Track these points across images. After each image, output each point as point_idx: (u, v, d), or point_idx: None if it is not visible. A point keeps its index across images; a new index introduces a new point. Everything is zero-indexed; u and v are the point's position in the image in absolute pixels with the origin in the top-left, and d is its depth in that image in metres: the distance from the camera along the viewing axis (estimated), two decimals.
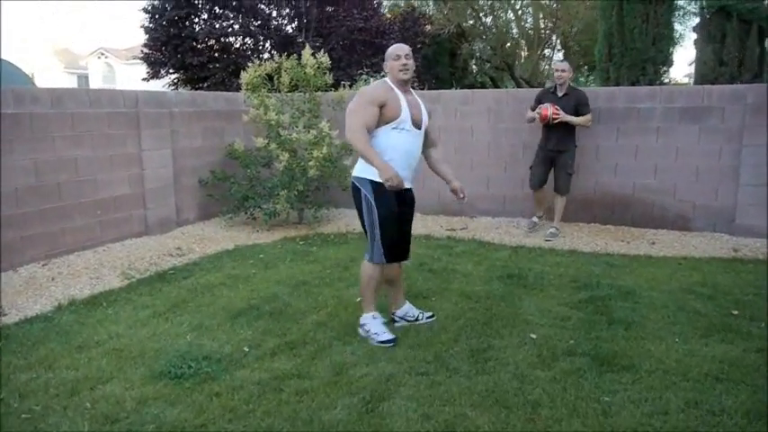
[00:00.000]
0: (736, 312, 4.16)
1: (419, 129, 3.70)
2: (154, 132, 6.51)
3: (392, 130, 3.57)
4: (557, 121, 6.15)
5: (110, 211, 6.10)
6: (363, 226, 3.75)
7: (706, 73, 8.01)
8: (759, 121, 6.14)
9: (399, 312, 4.02)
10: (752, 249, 5.90)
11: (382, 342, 3.66)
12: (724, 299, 4.45)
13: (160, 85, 15.75)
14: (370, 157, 3.48)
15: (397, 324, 3.98)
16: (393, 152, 3.57)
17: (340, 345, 3.66)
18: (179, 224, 6.94)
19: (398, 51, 3.66)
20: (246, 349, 3.60)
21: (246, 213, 7.02)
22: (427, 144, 3.93)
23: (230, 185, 7.05)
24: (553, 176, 6.50)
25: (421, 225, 7.09)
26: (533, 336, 3.78)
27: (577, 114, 6.23)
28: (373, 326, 3.76)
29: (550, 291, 4.70)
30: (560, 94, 6.31)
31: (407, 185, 3.72)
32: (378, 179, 3.52)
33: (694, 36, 14.80)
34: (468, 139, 7.45)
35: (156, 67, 14.97)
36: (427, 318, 4.04)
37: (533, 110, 6.43)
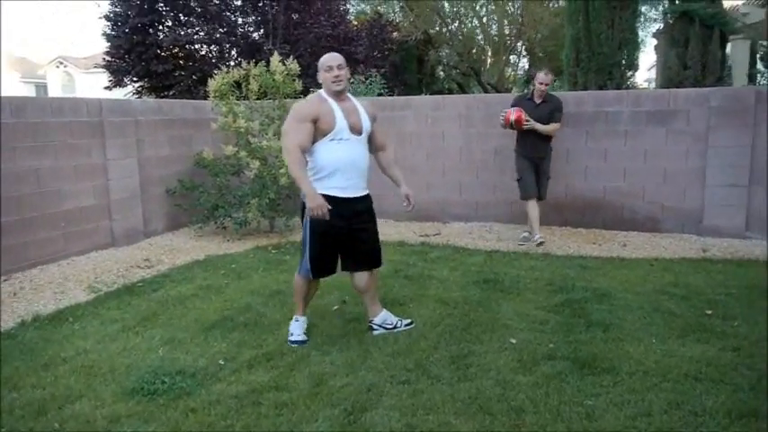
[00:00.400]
0: (709, 312, 4.20)
1: (360, 134, 3.64)
2: (119, 141, 6.34)
3: (331, 142, 3.52)
4: (526, 128, 6.03)
5: (74, 222, 5.91)
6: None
7: (671, 77, 8.19)
8: (723, 122, 6.28)
9: (377, 320, 3.94)
10: (720, 249, 6.00)
11: (291, 342, 3.76)
12: (697, 299, 4.50)
13: (123, 93, 15.44)
14: (299, 181, 3.46)
15: (375, 332, 3.91)
16: (337, 163, 3.55)
17: (318, 355, 3.58)
18: (147, 235, 6.76)
19: (330, 62, 3.59)
20: (222, 362, 3.50)
21: (216, 223, 6.88)
22: (375, 147, 3.89)
23: (199, 195, 6.90)
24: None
25: (394, 231, 7.06)
26: (513, 340, 3.75)
27: (551, 120, 6.18)
28: (292, 326, 3.87)
29: (527, 295, 4.69)
30: (538, 101, 6.19)
31: (360, 193, 3.70)
32: (324, 192, 3.52)
33: (654, 41, 15.22)
34: (440, 144, 7.45)
35: (118, 75, 14.64)
36: (405, 325, 3.97)
37: None
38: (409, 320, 4.03)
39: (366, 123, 3.67)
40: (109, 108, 6.23)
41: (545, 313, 4.26)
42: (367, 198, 3.78)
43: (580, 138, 6.86)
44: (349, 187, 3.60)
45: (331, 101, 3.58)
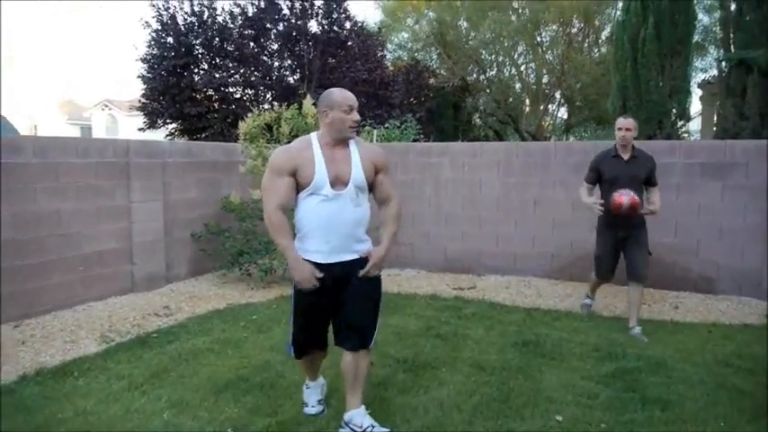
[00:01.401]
0: None
1: (345, 187, 2.98)
2: (145, 184, 6.16)
3: (309, 197, 2.97)
4: (646, 212, 4.85)
5: (93, 266, 5.68)
6: None
7: (727, 127, 7.72)
8: None
9: (346, 416, 3.16)
10: None
11: (306, 414, 3.35)
12: (766, 374, 4.00)
13: (161, 135, 15.57)
14: (281, 249, 3.06)
15: (341, 430, 3.18)
16: (316, 222, 2.98)
17: (339, 426, 3.19)
18: (168, 280, 6.51)
19: (351, 102, 3.01)
20: None
21: (241, 269, 6.61)
22: (378, 200, 3.21)
23: (224, 239, 6.66)
24: (625, 258, 5.03)
25: (426, 283, 6.70)
26: (559, 418, 3.32)
27: (648, 182, 4.95)
28: (304, 394, 3.46)
29: (572, 361, 4.25)
30: (626, 158, 4.91)
31: (350, 257, 3.04)
32: (306, 257, 3.00)
33: (699, 92, 14.77)
34: (477, 193, 7.11)
35: (153, 117, 14.78)
36: None
37: (592, 182, 5.08)
38: (387, 430, 3.11)
39: (357, 175, 3.00)
40: (136, 150, 6.07)
41: (593, 385, 3.82)
42: (364, 261, 3.07)
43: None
44: (332, 252, 2.99)
45: (317, 147, 3.00)
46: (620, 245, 5.01)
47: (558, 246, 6.78)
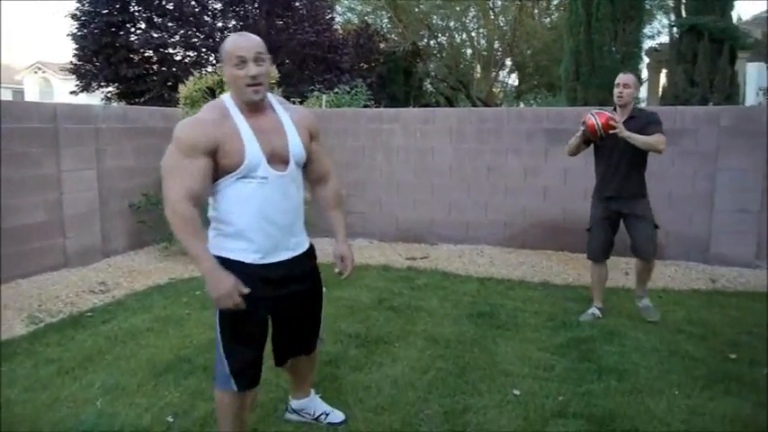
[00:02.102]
0: (733, 357, 3.74)
1: (286, 166, 2.34)
2: (76, 151, 5.74)
3: (239, 182, 2.26)
4: (614, 132, 4.02)
5: (20, 241, 5.28)
6: None
7: (677, 93, 7.74)
8: (734, 143, 5.85)
9: (296, 404, 2.92)
10: (729, 280, 5.56)
11: None
12: (716, 339, 4.04)
13: (97, 100, 14.71)
14: (193, 254, 2.21)
15: (290, 416, 2.94)
16: (250, 214, 2.29)
17: (286, 411, 3.02)
18: (105, 254, 6.14)
19: (241, 51, 2.22)
20: (171, 419, 2.93)
21: None
22: (313, 178, 2.61)
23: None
24: (628, 234, 4.40)
25: (378, 253, 6.55)
26: (516, 392, 3.24)
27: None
28: None
29: (527, 332, 4.18)
30: (623, 118, 4.21)
31: (289, 255, 2.42)
32: (231, 257, 2.30)
33: (646, 59, 14.92)
34: (429, 160, 6.94)
35: (86, 79, 13.91)
36: (331, 423, 2.87)
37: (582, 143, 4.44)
38: (342, 418, 2.90)
39: (297, 148, 2.37)
40: (64, 114, 5.63)
41: (549, 356, 3.76)
42: (304, 257, 2.50)
43: (580, 156, 6.36)
44: (269, 249, 2.34)
45: (237, 116, 2.27)
46: (619, 221, 4.42)
47: (510, 213, 6.72)
